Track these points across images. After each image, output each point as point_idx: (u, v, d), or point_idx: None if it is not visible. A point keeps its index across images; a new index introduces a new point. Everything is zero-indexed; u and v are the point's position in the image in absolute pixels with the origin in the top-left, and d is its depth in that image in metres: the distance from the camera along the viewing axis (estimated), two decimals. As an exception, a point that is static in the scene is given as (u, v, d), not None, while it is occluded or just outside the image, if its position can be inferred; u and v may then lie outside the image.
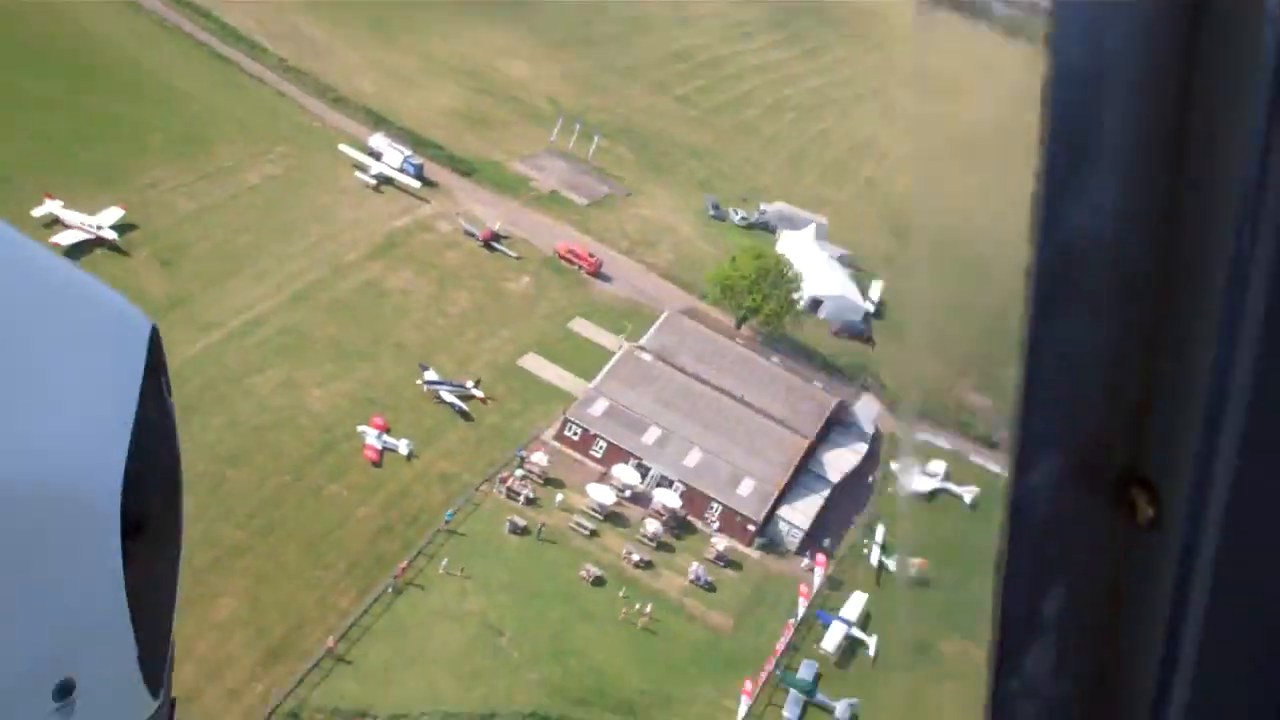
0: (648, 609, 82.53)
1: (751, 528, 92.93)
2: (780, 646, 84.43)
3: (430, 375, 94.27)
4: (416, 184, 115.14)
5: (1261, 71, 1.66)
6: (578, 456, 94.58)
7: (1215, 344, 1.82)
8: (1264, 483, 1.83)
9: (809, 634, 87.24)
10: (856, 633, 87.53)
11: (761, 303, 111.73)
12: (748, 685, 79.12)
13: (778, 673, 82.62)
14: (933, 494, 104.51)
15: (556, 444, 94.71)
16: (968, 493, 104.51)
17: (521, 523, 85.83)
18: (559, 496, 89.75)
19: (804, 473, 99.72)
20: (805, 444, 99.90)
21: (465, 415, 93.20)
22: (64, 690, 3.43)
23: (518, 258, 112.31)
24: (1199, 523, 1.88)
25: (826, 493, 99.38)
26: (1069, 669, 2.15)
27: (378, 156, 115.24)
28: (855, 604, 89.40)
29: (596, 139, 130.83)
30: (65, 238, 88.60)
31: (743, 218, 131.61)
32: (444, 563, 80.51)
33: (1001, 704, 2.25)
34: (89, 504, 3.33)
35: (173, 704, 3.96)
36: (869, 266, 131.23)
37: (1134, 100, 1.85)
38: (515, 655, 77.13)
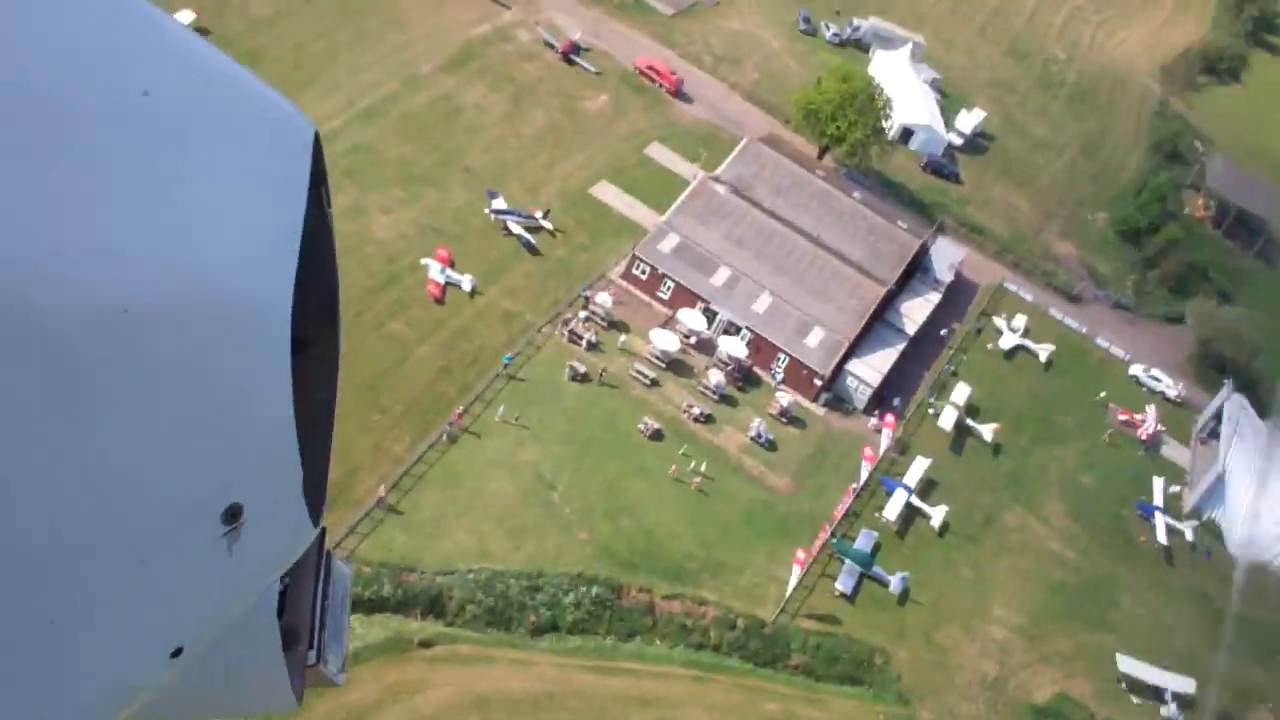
0: (702, 467, 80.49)
1: (818, 382, 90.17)
2: (838, 513, 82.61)
3: (498, 204, 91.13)
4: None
5: None
6: (644, 297, 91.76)
7: None
8: None
9: (870, 500, 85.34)
10: (918, 501, 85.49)
11: (846, 130, 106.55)
12: (800, 555, 77.49)
13: (834, 541, 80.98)
14: (1011, 351, 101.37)
15: (623, 283, 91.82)
16: (1044, 351, 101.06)
17: (582, 369, 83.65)
18: (622, 339, 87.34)
19: (879, 323, 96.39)
20: (882, 292, 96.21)
21: (532, 249, 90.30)
22: (232, 515, 3.52)
23: (597, 73, 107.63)
24: None
25: (901, 346, 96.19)
26: None
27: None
28: (918, 469, 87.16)
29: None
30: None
31: (835, 33, 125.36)
32: (500, 410, 78.75)
33: None
34: (263, 323, 3.33)
35: (323, 532, 4.19)
36: (964, 93, 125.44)
37: None
38: (566, 511, 75.92)
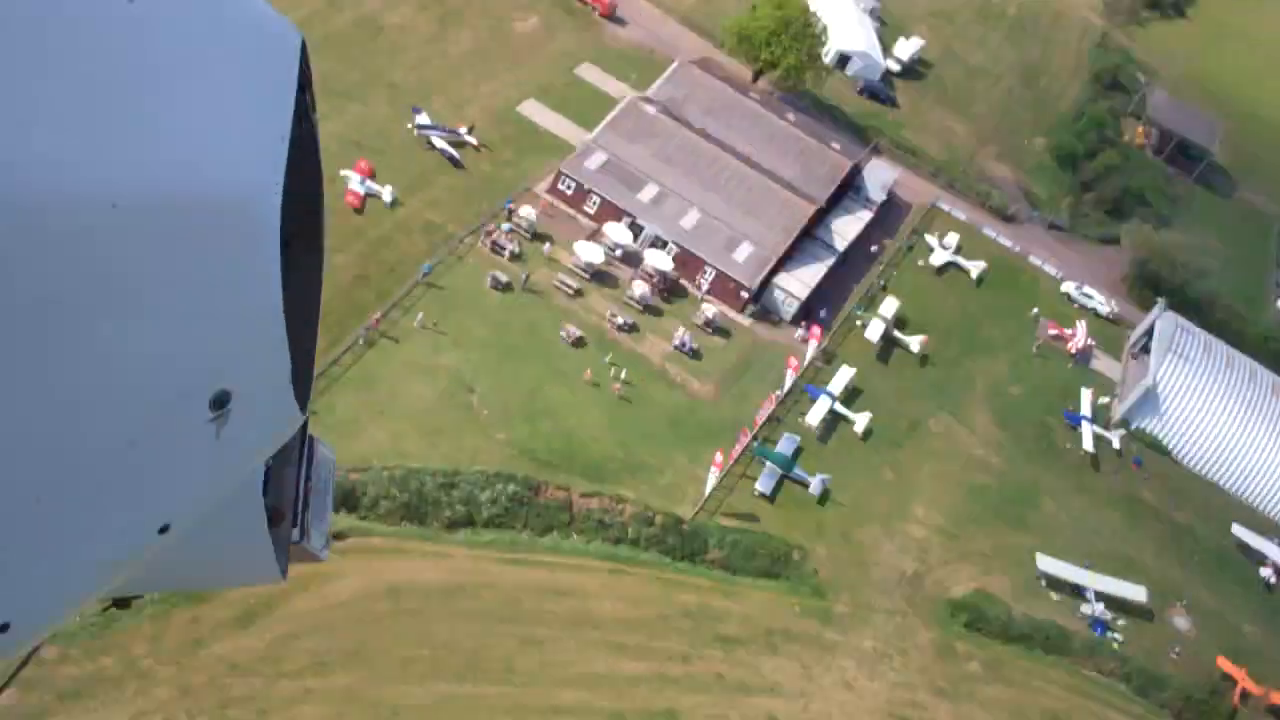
0: (623, 373, 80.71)
1: (745, 294, 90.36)
2: (760, 418, 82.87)
3: (422, 119, 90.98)
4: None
5: None
6: (570, 211, 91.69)
7: None
8: None
9: (794, 407, 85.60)
10: (841, 408, 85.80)
11: (781, 55, 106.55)
12: (718, 458, 77.70)
13: (755, 444, 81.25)
14: (942, 268, 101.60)
15: (549, 197, 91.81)
16: (975, 267, 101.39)
17: (504, 278, 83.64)
18: (546, 247, 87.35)
19: (809, 239, 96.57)
20: (811, 209, 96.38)
21: (456, 163, 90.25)
22: (220, 401, 3.69)
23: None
24: None
25: (831, 261, 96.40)
26: None
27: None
28: (843, 378, 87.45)
29: None
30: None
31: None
32: (419, 316, 78.74)
33: None
34: (253, 216, 3.49)
35: (304, 422, 4.40)
36: (903, 21, 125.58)
37: None
38: (485, 414, 75.96)
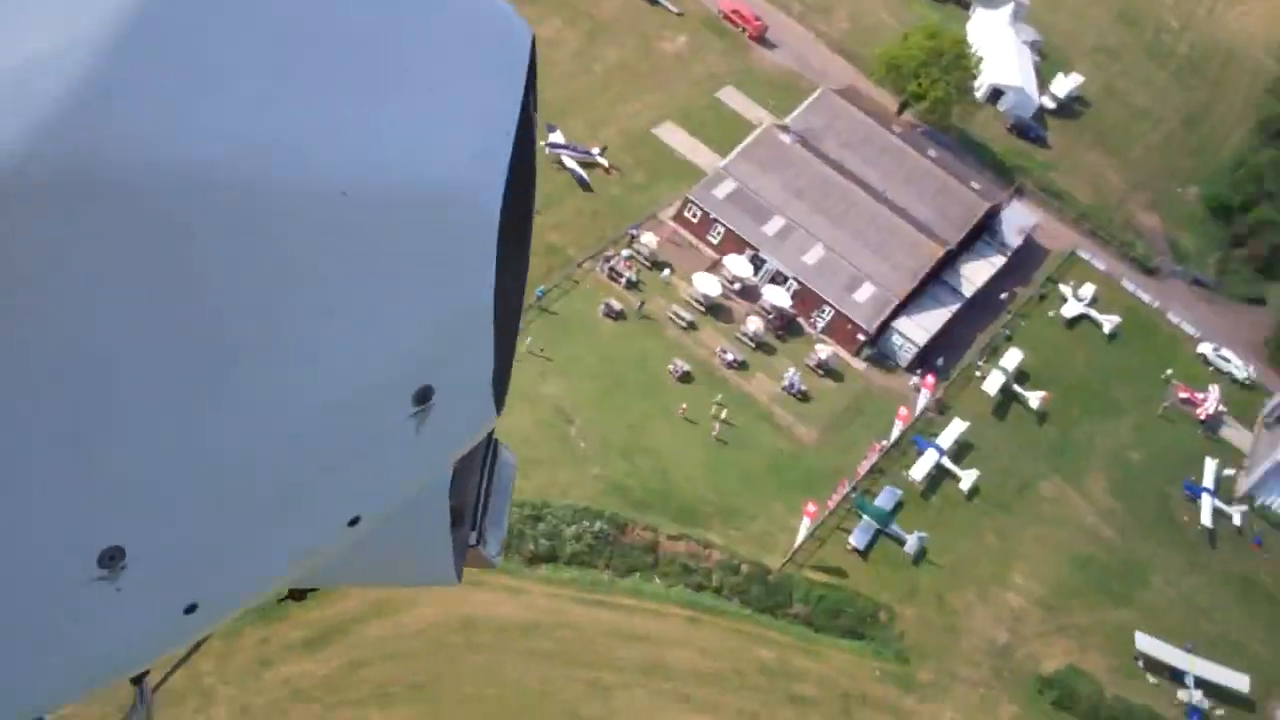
0: (723, 413, 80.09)
1: (862, 337, 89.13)
2: (862, 469, 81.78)
3: (556, 137, 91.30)
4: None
5: None
6: (693, 240, 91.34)
7: None
8: None
9: (900, 459, 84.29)
10: (949, 463, 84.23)
11: (929, 87, 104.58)
12: (811, 507, 76.82)
13: (855, 496, 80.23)
14: (1074, 320, 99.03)
15: (673, 224, 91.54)
16: (1109, 322, 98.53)
17: (618, 306, 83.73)
18: (666, 273, 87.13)
19: (935, 283, 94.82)
20: (940, 252, 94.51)
21: (585, 185, 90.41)
22: (423, 396, 3.66)
23: (679, 13, 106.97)
24: None
25: (956, 307, 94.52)
26: None
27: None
28: (954, 431, 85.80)
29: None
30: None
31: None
32: (528, 341, 79.11)
33: None
34: (476, 212, 3.47)
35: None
36: (1065, 56, 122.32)
37: None
38: (583, 446, 76.19)
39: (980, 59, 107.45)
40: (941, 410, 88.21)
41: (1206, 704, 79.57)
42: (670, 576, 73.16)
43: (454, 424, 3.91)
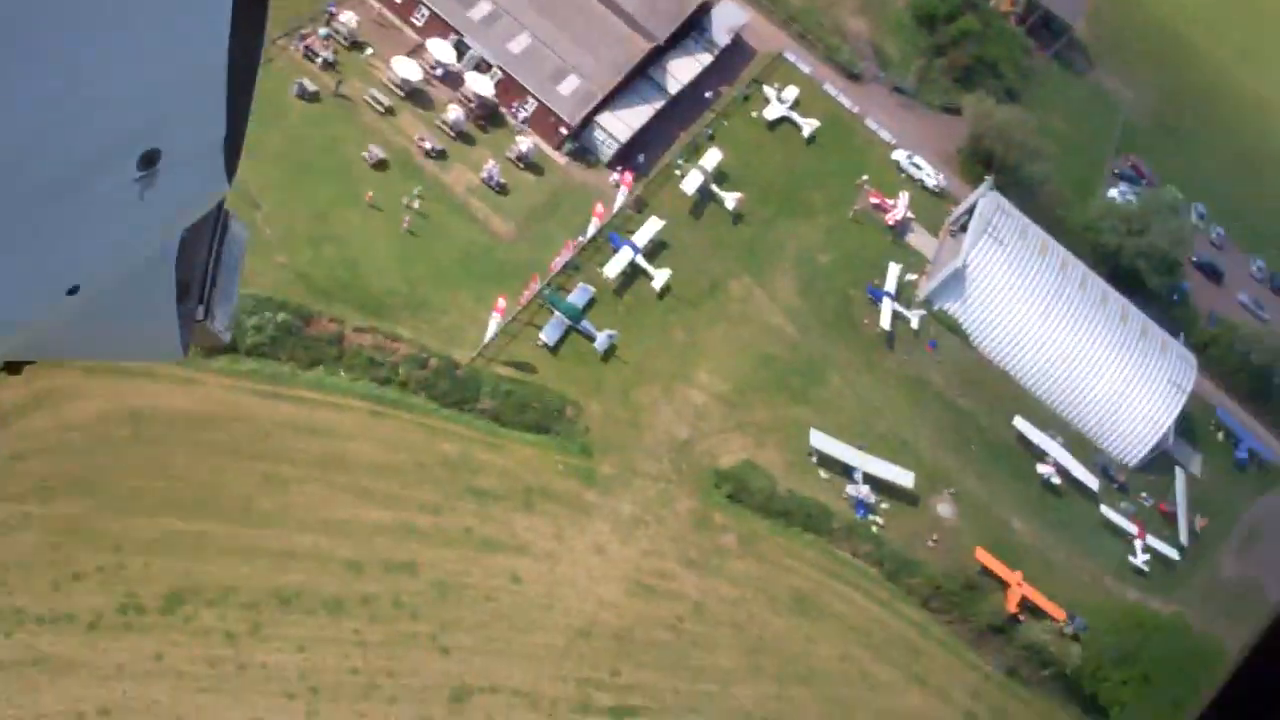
0: (415, 203, 78.42)
1: (564, 130, 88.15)
2: (556, 265, 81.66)
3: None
4: None
5: None
6: (397, 22, 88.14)
7: None
8: None
9: (595, 255, 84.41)
10: (642, 261, 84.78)
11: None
12: (501, 301, 76.51)
13: (547, 292, 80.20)
14: (775, 122, 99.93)
15: (375, 2, 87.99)
16: (808, 125, 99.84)
17: (312, 87, 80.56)
18: (368, 51, 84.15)
19: (641, 78, 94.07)
20: (648, 47, 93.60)
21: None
22: (149, 159, 3.61)
23: None
24: None
25: (660, 104, 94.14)
26: None
27: None
28: (650, 229, 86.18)
29: None
30: None
31: None
32: (213, 121, 75.46)
33: None
34: None
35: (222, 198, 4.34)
36: None
37: None
38: (268, 232, 73.61)
39: None
40: (639, 208, 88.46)
41: (873, 498, 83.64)
42: (355, 370, 72.09)
43: (180, 191, 3.84)
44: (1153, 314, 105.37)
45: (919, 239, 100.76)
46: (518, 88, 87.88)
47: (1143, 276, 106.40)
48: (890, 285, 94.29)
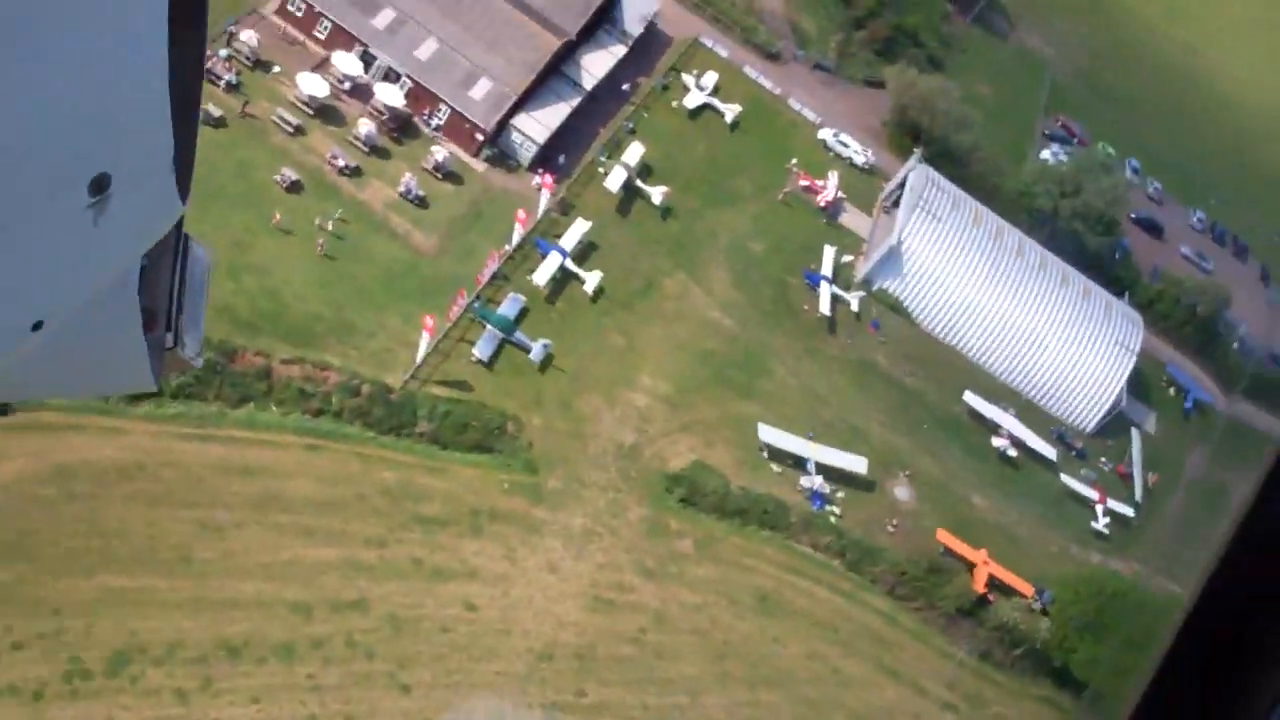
0: (328, 224, 75.62)
1: (480, 136, 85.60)
2: (483, 277, 79.16)
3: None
4: None
5: None
6: (299, 37, 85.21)
7: None
8: None
9: (523, 264, 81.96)
10: (572, 265, 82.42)
11: None
12: (429, 320, 73.92)
13: (476, 305, 77.70)
14: (696, 111, 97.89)
15: (276, 19, 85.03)
16: (730, 111, 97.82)
17: (217, 112, 77.37)
18: (276, 68, 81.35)
19: (554, 76, 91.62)
20: (558, 43, 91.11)
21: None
22: (100, 185, 3.55)
23: None
24: None
25: (576, 101, 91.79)
26: None
27: None
28: (577, 232, 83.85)
29: None
30: None
31: None
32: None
33: None
34: None
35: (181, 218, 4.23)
36: None
37: None
38: (182, 268, 70.57)
39: None
40: (565, 210, 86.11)
41: (828, 488, 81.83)
42: (286, 403, 69.36)
43: (135, 214, 3.71)
44: (1095, 275, 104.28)
45: (853, 219, 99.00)
46: (429, 96, 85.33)
47: (1081, 238, 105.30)
48: (827, 269, 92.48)
